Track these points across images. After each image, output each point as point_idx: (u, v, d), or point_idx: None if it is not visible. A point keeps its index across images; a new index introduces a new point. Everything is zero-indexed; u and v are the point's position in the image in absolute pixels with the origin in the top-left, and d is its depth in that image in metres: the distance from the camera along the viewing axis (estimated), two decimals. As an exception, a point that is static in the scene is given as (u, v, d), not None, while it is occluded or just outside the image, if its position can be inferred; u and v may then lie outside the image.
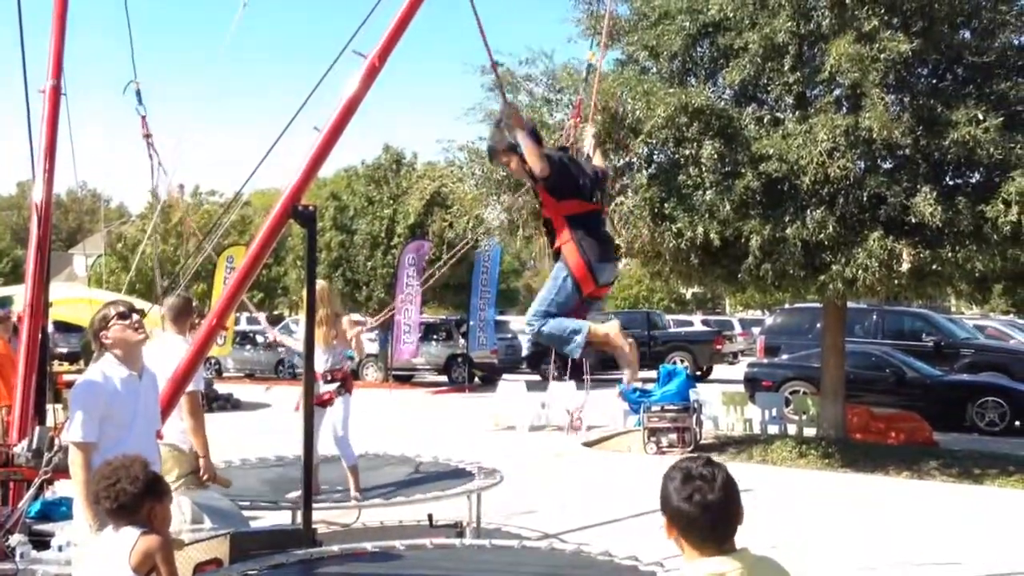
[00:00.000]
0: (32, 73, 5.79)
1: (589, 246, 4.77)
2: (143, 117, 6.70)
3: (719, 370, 28.26)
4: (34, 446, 5.05)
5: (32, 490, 5.01)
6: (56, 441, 4.90)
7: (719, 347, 28.95)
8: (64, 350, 19.48)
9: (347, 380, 7.89)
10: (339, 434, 7.70)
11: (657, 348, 27.29)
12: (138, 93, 6.66)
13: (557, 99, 12.19)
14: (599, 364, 27.18)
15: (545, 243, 11.99)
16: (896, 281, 10.83)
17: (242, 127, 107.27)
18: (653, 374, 21.88)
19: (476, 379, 25.38)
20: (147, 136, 6.73)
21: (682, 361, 26.89)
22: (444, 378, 26.42)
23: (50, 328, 6.42)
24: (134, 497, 3.64)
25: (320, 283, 8.08)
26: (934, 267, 10.59)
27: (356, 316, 8.22)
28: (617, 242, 11.46)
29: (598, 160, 5.36)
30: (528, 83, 12.17)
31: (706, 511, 2.53)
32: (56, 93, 6.23)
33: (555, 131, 11.76)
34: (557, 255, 4.88)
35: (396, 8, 5.44)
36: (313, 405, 6.17)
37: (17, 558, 4.78)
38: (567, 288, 4.78)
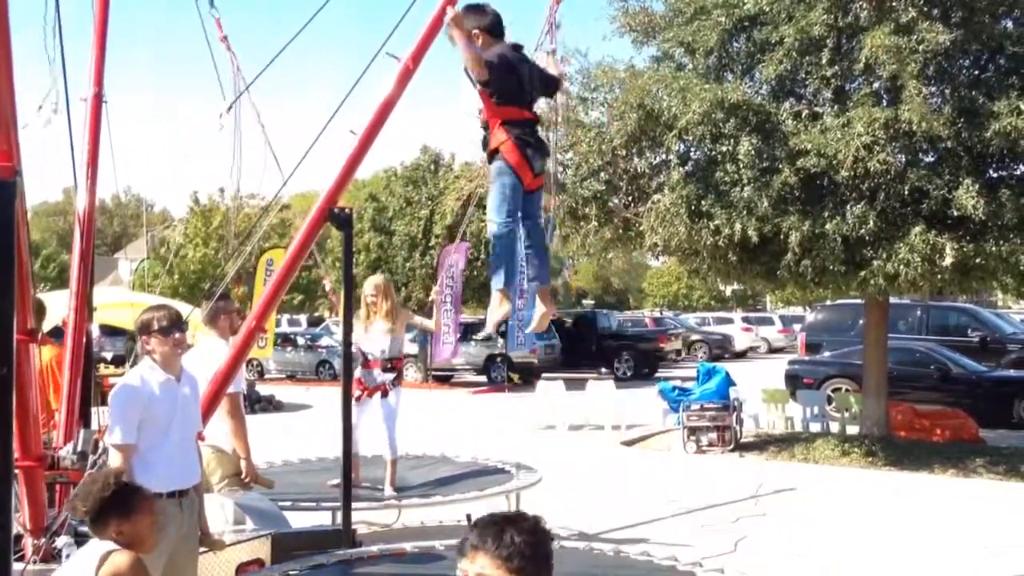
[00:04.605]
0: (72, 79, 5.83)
1: (523, 143, 4.81)
2: (217, 19, 6.97)
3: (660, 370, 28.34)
4: (79, 449, 5.15)
5: (77, 492, 5.10)
6: (100, 444, 4.99)
7: (662, 345, 29.35)
8: (109, 354, 19.86)
9: (400, 372, 8.00)
10: (388, 424, 7.74)
11: (603, 345, 28.09)
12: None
13: (592, 97, 12.18)
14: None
15: (579, 236, 11.98)
16: (939, 276, 10.66)
17: (281, 129, 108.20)
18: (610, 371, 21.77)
19: (515, 379, 25.38)
20: (224, 38, 6.93)
21: (627, 360, 27.53)
22: (483, 378, 26.47)
23: (95, 332, 6.53)
24: (97, 509, 3.53)
25: (380, 277, 8.27)
26: (978, 261, 10.41)
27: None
28: (654, 240, 11.46)
29: (553, 69, 5.38)
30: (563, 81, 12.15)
31: None
32: (98, 101, 6.33)
33: (590, 129, 11.74)
34: (492, 157, 4.90)
35: (429, 10, 5.47)
36: (353, 402, 6.23)
37: (64, 559, 4.86)
38: (510, 185, 4.82)
